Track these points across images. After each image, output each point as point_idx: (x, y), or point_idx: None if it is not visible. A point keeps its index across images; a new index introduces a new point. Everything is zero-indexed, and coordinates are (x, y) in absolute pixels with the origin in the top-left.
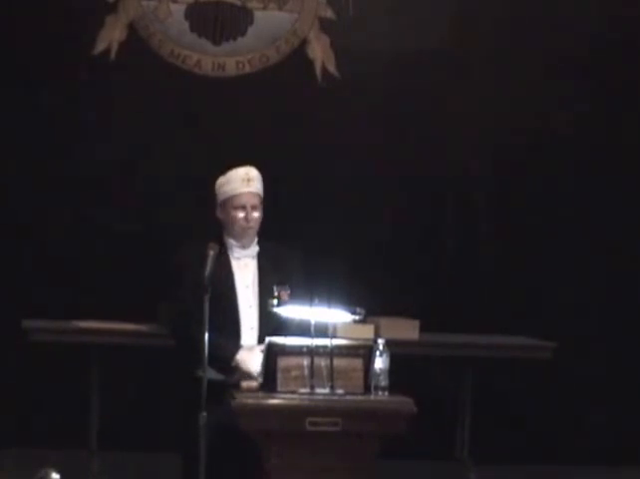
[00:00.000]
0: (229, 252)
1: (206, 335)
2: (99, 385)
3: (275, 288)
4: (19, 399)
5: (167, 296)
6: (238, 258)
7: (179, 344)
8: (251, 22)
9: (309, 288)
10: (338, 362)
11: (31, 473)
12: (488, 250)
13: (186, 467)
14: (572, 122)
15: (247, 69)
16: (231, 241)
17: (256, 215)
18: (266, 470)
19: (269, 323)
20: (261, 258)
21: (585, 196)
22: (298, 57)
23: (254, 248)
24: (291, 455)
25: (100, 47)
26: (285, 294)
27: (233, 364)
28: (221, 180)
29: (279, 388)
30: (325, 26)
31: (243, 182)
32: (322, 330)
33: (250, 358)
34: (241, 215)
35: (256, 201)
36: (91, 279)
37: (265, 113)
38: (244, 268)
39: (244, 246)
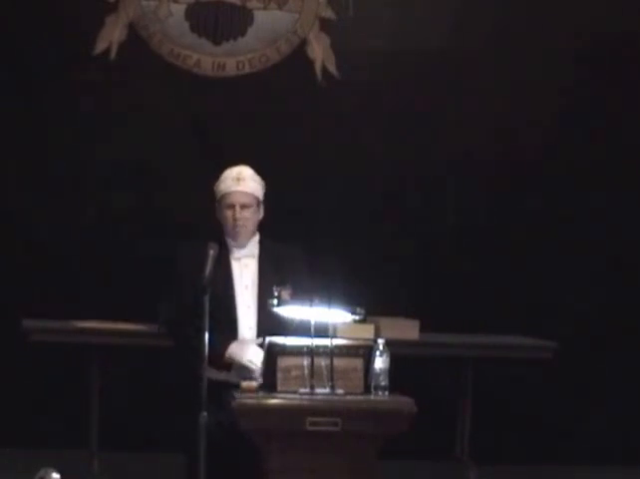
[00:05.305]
0: (230, 253)
1: (206, 335)
2: (99, 385)
3: (275, 288)
4: (19, 399)
5: (166, 296)
6: (239, 259)
7: (177, 344)
8: (251, 22)
9: (313, 287)
10: (338, 362)
11: (31, 473)
12: (488, 250)
13: (190, 467)
14: (573, 122)
15: (247, 69)
16: (230, 241)
17: (246, 214)
18: (266, 470)
19: (268, 324)
20: (262, 259)
21: (586, 196)
22: (298, 57)
23: (254, 249)
24: (291, 455)
25: (100, 47)
26: (286, 294)
27: (227, 357)
28: (218, 180)
29: (279, 388)
30: (325, 26)
31: (234, 181)
32: (322, 330)
33: (242, 349)
34: (230, 213)
35: (247, 200)
36: (91, 279)
37: (265, 113)
38: (244, 269)
39: (241, 246)
